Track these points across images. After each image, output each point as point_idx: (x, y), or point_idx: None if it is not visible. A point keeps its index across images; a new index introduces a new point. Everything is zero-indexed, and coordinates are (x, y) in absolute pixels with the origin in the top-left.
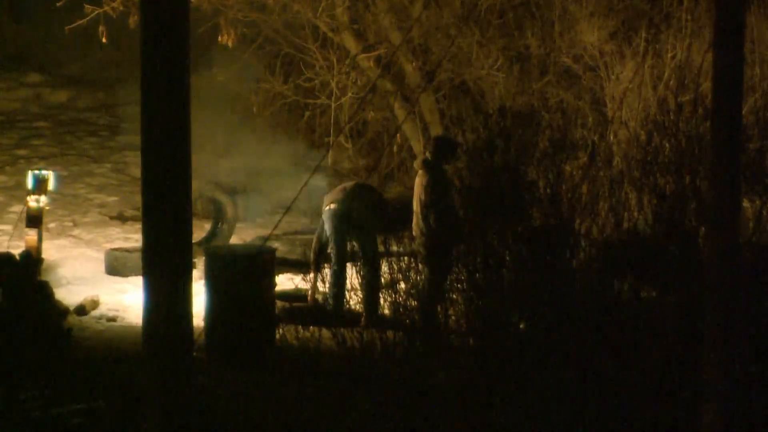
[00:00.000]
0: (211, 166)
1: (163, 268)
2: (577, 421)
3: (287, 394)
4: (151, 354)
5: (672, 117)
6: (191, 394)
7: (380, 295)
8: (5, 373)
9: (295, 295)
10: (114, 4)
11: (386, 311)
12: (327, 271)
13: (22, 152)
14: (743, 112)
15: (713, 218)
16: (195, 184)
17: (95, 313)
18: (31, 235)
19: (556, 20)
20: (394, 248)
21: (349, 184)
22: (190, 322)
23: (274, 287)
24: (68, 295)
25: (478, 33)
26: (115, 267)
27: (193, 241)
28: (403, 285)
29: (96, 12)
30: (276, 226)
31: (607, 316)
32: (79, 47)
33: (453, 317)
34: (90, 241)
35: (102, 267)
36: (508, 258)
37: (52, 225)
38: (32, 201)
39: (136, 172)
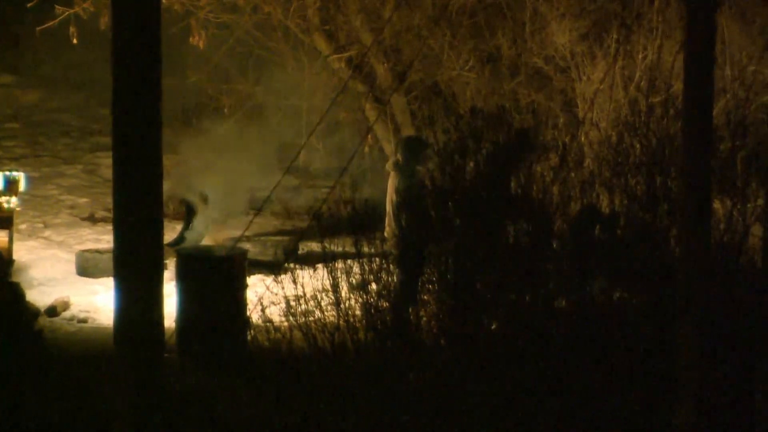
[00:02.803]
0: (183, 166)
1: (134, 270)
2: (549, 421)
3: (258, 396)
4: (123, 355)
5: (643, 118)
6: (162, 396)
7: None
8: None
9: None
10: (85, 5)
11: (357, 312)
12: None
13: None
14: (714, 113)
15: (684, 219)
16: (166, 185)
17: (66, 314)
18: (2, 236)
19: (527, 21)
20: (366, 249)
21: None
22: (161, 323)
23: (246, 288)
24: (39, 296)
25: (449, 34)
26: (86, 268)
27: (165, 243)
28: (374, 286)
29: (67, 12)
30: (248, 227)
31: (579, 317)
32: (50, 48)
33: (425, 318)
34: (61, 242)
35: (73, 268)
36: (479, 259)
37: (22, 226)
38: (3, 202)
39: (108, 173)
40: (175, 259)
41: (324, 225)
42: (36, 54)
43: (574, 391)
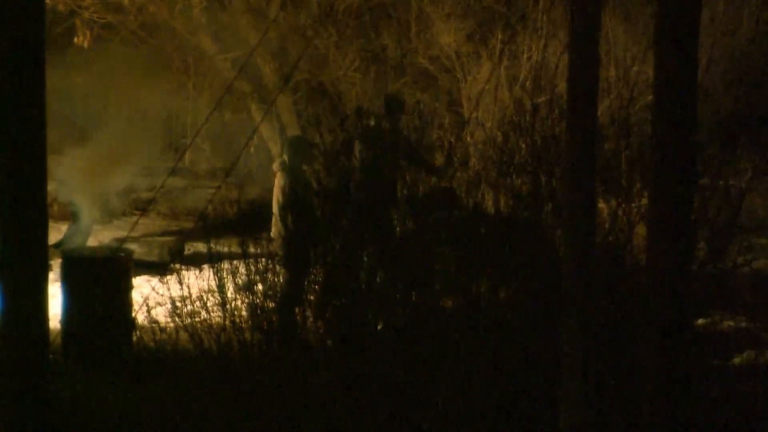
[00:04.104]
0: (68, 167)
1: (18, 271)
2: (435, 420)
3: (142, 397)
4: (6, 357)
5: (528, 118)
6: (47, 397)
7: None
8: None
9: None
10: None
11: (243, 313)
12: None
13: None
14: (599, 112)
15: (569, 219)
16: (51, 186)
17: None
18: None
19: (412, 21)
20: (252, 250)
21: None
22: (46, 324)
23: (131, 289)
24: None
25: (335, 34)
26: None
27: (50, 244)
28: (260, 287)
29: None
30: (133, 228)
31: (465, 317)
32: None
33: (311, 318)
34: None
35: None
36: (365, 258)
37: None
38: None
39: None
40: (60, 260)
41: (210, 225)
42: None
43: (461, 391)
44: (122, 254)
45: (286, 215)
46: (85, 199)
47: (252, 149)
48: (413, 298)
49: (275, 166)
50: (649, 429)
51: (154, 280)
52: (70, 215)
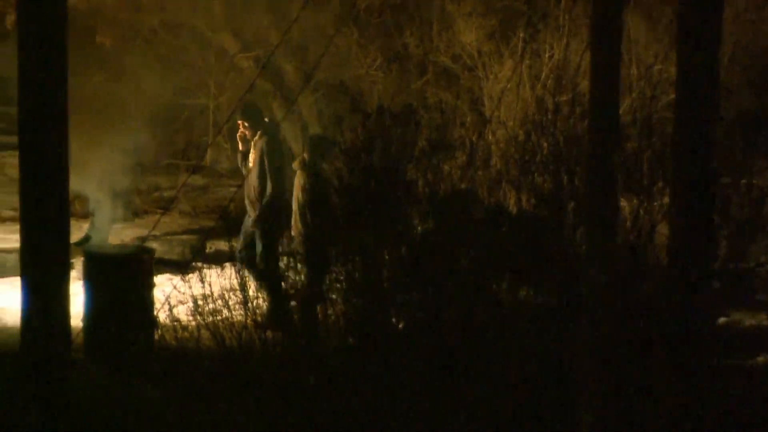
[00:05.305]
0: (89, 166)
1: (40, 269)
2: (453, 421)
3: (163, 396)
4: (28, 355)
5: (550, 116)
6: (68, 396)
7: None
8: None
9: None
10: None
11: (265, 311)
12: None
13: None
14: (620, 111)
15: (590, 218)
16: (72, 184)
17: None
18: None
19: (434, 20)
20: None
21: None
22: (67, 322)
23: (153, 288)
24: None
25: (357, 32)
26: None
27: (72, 241)
28: (282, 285)
29: None
30: (155, 226)
31: (485, 317)
32: None
33: (332, 317)
34: None
35: None
36: (387, 258)
37: None
38: None
39: (14, 172)
40: (82, 258)
41: (231, 224)
42: None
43: (480, 391)
44: (144, 252)
45: (307, 214)
46: (105, 197)
47: None
48: (434, 297)
49: (296, 164)
50: (669, 429)
51: (176, 279)
52: (90, 213)
